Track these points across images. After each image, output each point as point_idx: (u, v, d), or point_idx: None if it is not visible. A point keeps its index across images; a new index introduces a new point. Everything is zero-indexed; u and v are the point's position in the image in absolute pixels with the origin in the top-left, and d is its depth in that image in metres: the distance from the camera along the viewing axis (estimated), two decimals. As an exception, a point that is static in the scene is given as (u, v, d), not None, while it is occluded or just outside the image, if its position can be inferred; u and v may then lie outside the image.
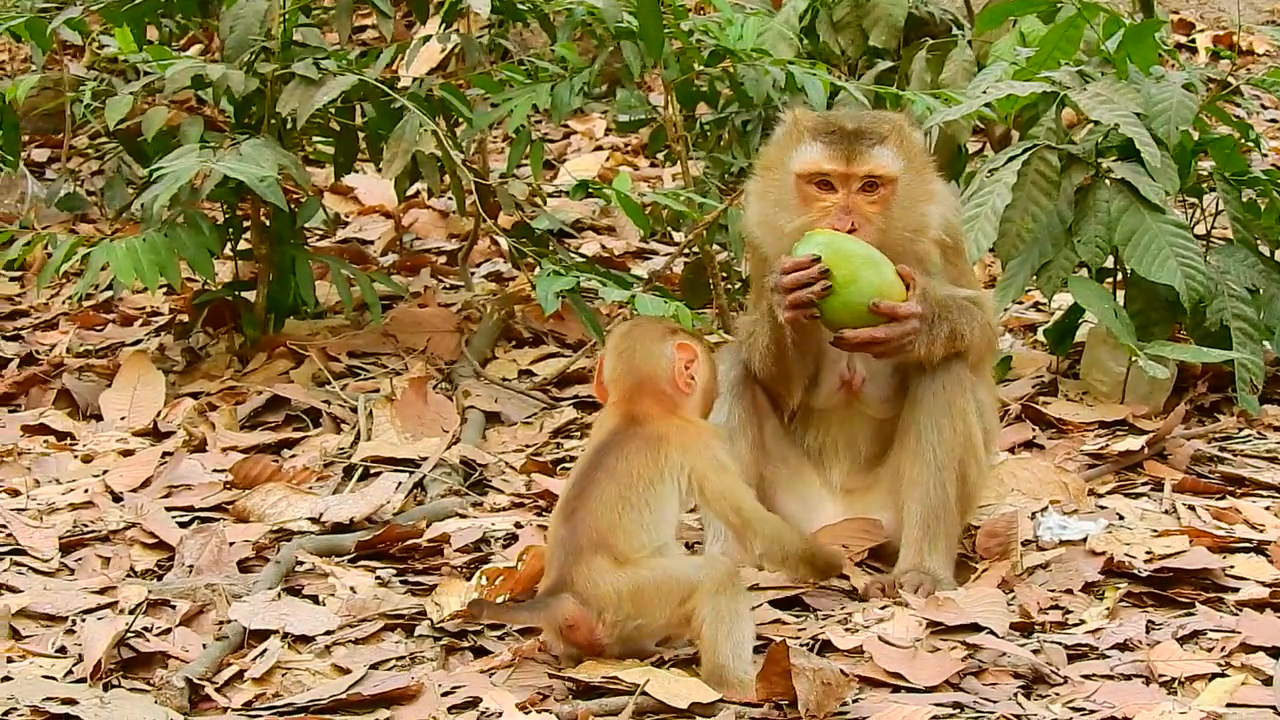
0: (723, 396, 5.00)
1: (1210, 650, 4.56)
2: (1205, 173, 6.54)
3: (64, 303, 7.86)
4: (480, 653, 4.67)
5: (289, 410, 6.67)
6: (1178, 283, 6.05)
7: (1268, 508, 5.48)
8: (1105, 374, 6.39)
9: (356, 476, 6.05)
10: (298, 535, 5.49)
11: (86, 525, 5.65)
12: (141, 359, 6.97)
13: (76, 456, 6.32)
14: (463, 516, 5.63)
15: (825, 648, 4.59)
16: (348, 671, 4.56)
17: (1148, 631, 4.65)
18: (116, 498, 5.90)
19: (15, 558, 5.39)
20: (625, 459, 4.50)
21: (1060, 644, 4.59)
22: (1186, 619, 4.73)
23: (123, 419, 6.64)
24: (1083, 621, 4.75)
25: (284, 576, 5.16)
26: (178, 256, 6.51)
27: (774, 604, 4.87)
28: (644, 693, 4.28)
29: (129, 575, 5.28)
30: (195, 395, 6.77)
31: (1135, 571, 4.97)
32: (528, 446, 6.31)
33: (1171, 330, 6.36)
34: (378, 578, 5.17)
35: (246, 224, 7.08)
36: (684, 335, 4.72)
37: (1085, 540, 5.17)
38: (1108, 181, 6.22)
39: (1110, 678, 4.44)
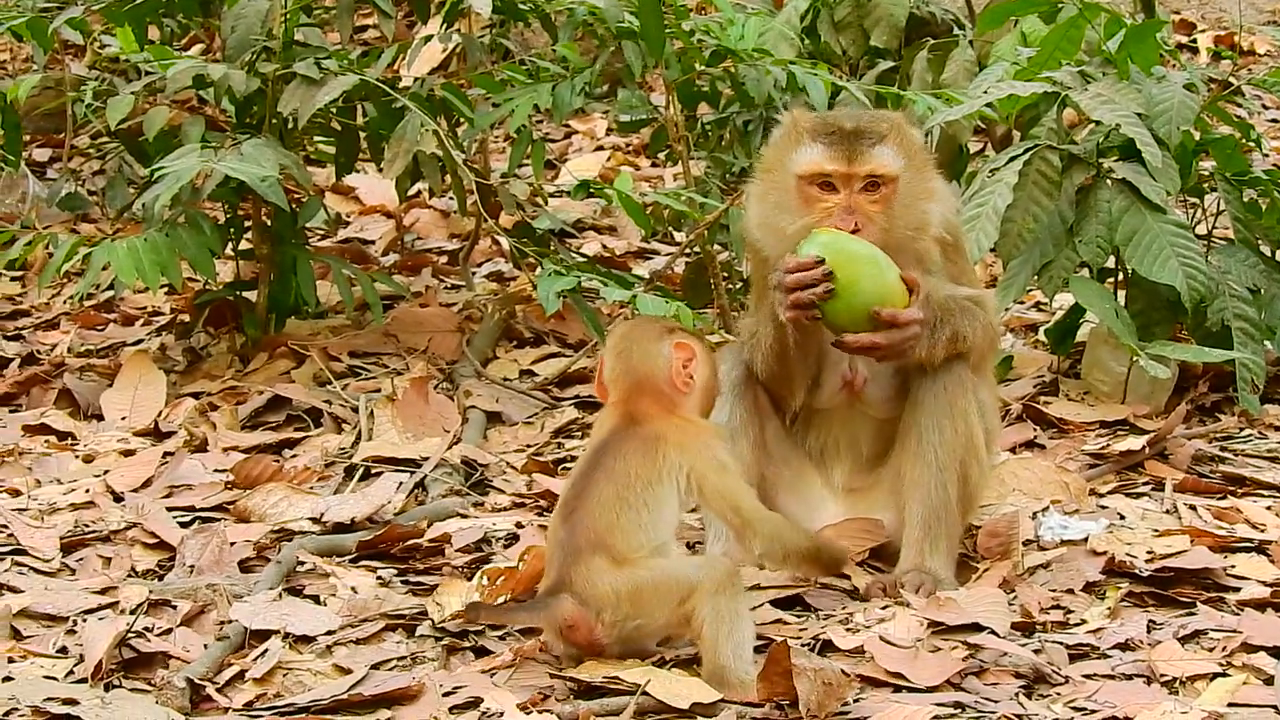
0: (724, 396, 4.99)
1: (1211, 650, 4.56)
2: (1206, 173, 6.54)
3: (65, 302, 7.87)
4: (481, 653, 4.67)
5: (290, 410, 6.67)
6: (1179, 283, 6.05)
7: (1269, 507, 5.48)
8: (1106, 374, 6.39)
9: (358, 476, 6.05)
10: (299, 535, 5.49)
11: (87, 525, 5.65)
12: (143, 359, 6.97)
13: (77, 456, 6.32)
14: (464, 516, 5.63)
15: (826, 647, 4.59)
16: (349, 672, 4.56)
17: (1149, 631, 4.65)
18: (117, 498, 5.90)
19: (16, 558, 5.39)
20: (623, 459, 4.49)
21: (1061, 644, 4.59)
22: (1188, 619, 4.73)
23: (124, 419, 6.64)
24: (1084, 621, 4.75)
25: (285, 576, 5.15)
26: (179, 256, 6.52)
27: (775, 604, 4.87)
28: (645, 693, 4.28)
29: (130, 575, 5.28)
30: (196, 395, 6.77)
31: (1136, 571, 4.97)
32: (529, 446, 6.31)
33: (1173, 330, 6.36)
34: (379, 578, 5.17)
35: (248, 224, 7.09)
36: (682, 334, 4.71)
37: (1086, 540, 5.17)
38: (1109, 181, 6.22)
39: (1111, 677, 4.44)
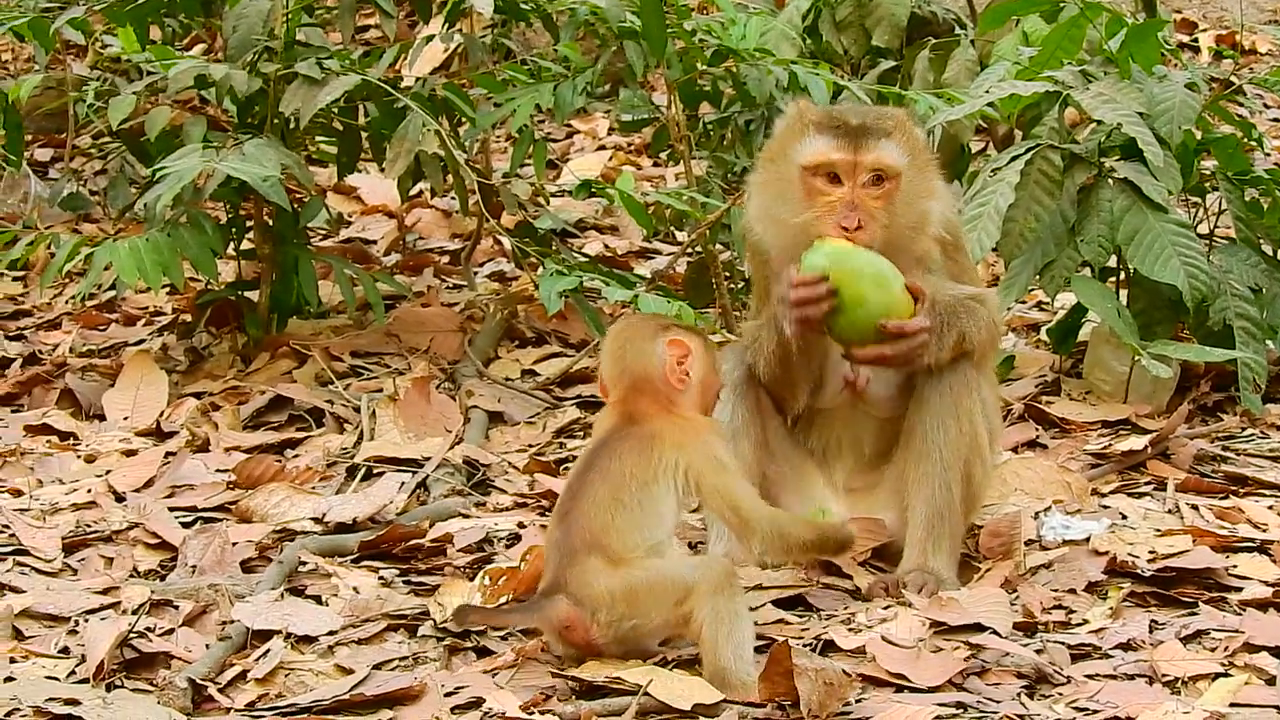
0: (726, 395, 4.98)
1: (1213, 650, 4.56)
2: (1208, 172, 6.54)
3: (67, 302, 7.87)
4: (483, 653, 4.67)
5: (292, 410, 6.67)
6: (1180, 282, 6.05)
7: (1271, 507, 5.47)
8: (1108, 373, 6.39)
9: (359, 476, 6.05)
10: (301, 535, 5.49)
11: (89, 525, 5.65)
12: (144, 359, 6.97)
13: (79, 456, 6.32)
14: (466, 516, 5.63)
15: (828, 648, 4.59)
16: (351, 672, 4.55)
17: (1151, 631, 4.65)
18: (119, 498, 5.90)
19: (18, 558, 5.39)
20: (618, 459, 4.48)
21: (1063, 644, 4.59)
22: (1190, 619, 4.73)
23: (125, 419, 6.64)
24: (1086, 621, 4.75)
25: (287, 577, 5.15)
26: (181, 256, 6.52)
27: (777, 604, 4.87)
28: (647, 693, 4.28)
29: (132, 575, 5.28)
30: (198, 395, 6.77)
31: (1138, 571, 4.96)
32: (531, 446, 6.31)
33: (1174, 329, 6.36)
34: (381, 578, 5.17)
35: (249, 224, 7.09)
36: (677, 331, 4.68)
37: (1088, 540, 5.17)
38: (1110, 181, 6.21)
39: (1113, 677, 4.44)
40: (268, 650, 4.63)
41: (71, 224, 8.57)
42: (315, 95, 6.46)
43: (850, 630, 4.68)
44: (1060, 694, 4.37)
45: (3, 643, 4.77)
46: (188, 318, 7.36)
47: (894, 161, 4.92)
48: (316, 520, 5.58)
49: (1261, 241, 6.47)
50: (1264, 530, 5.29)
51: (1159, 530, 5.23)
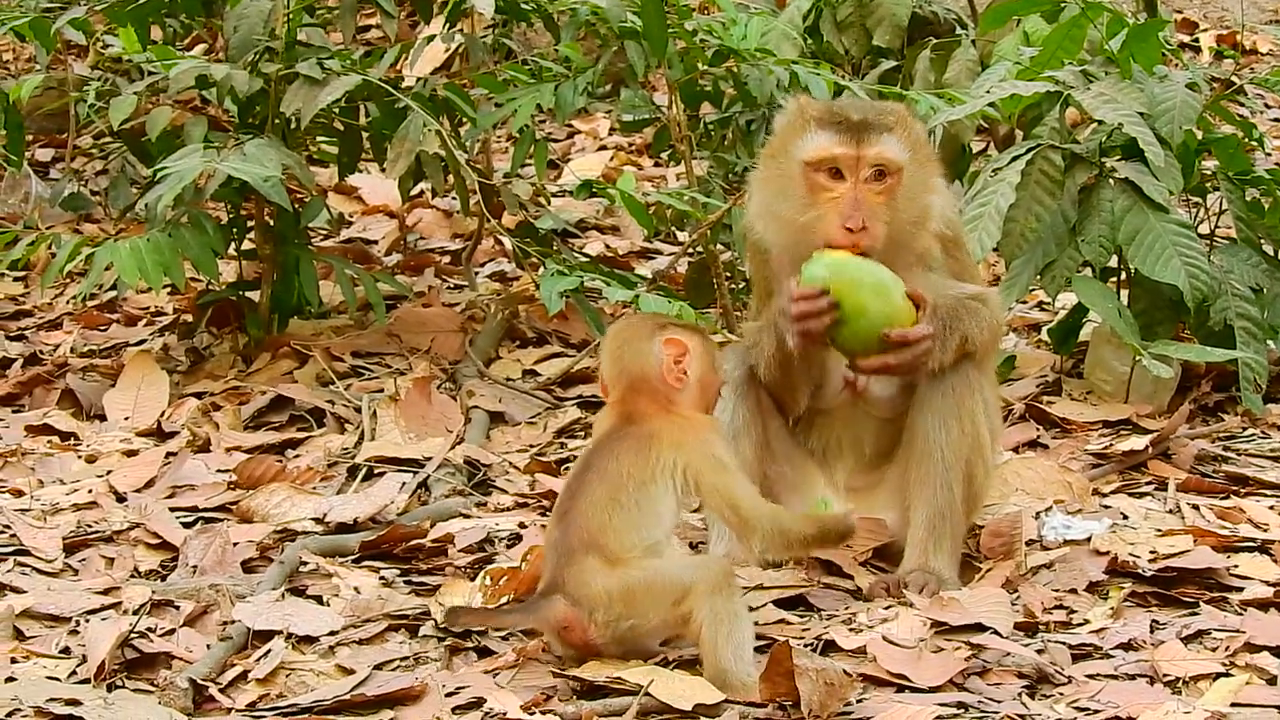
0: (727, 395, 4.98)
1: (1214, 650, 4.56)
2: (1209, 172, 6.54)
3: (68, 303, 7.87)
4: (484, 653, 4.67)
5: (293, 410, 6.67)
6: (1181, 282, 6.05)
7: (1272, 507, 5.47)
8: (1109, 373, 6.39)
9: (360, 477, 6.05)
10: (301, 535, 5.48)
11: (90, 525, 5.65)
12: (145, 359, 6.97)
13: (80, 457, 6.32)
14: (467, 517, 5.63)
15: (829, 648, 4.59)
16: (352, 672, 4.55)
17: (1152, 631, 4.65)
18: (120, 498, 5.90)
19: (19, 558, 5.39)
20: (616, 459, 4.47)
21: (1064, 644, 4.59)
22: (1191, 619, 4.73)
23: (126, 419, 6.64)
24: (1087, 621, 4.74)
25: (288, 577, 5.15)
26: (182, 256, 6.52)
27: (778, 604, 4.87)
28: (648, 693, 4.28)
29: (133, 576, 5.28)
30: (199, 395, 6.77)
31: (1139, 571, 4.96)
32: (532, 446, 6.31)
33: (1175, 330, 6.36)
34: (382, 578, 5.17)
35: (250, 224, 7.09)
36: (674, 329, 4.67)
37: (1089, 540, 5.17)
38: (1111, 181, 6.22)
39: (1114, 677, 4.44)
40: (269, 650, 4.63)
41: (72, 224, 8.57)
42: (316, 95, 6.46)
43: (851, 630, 4.67)
44: (1061, 694, 4.37)
45: (4, 643, 4.77)
46: (189, 318, 7.36)
47: (896, 156, 4.91)
48: (317, 520, 5.58)
49: (1262, 241, 6.47)
50: (1265, 530, 5.29)
51: (1160, 530, 5.23)
